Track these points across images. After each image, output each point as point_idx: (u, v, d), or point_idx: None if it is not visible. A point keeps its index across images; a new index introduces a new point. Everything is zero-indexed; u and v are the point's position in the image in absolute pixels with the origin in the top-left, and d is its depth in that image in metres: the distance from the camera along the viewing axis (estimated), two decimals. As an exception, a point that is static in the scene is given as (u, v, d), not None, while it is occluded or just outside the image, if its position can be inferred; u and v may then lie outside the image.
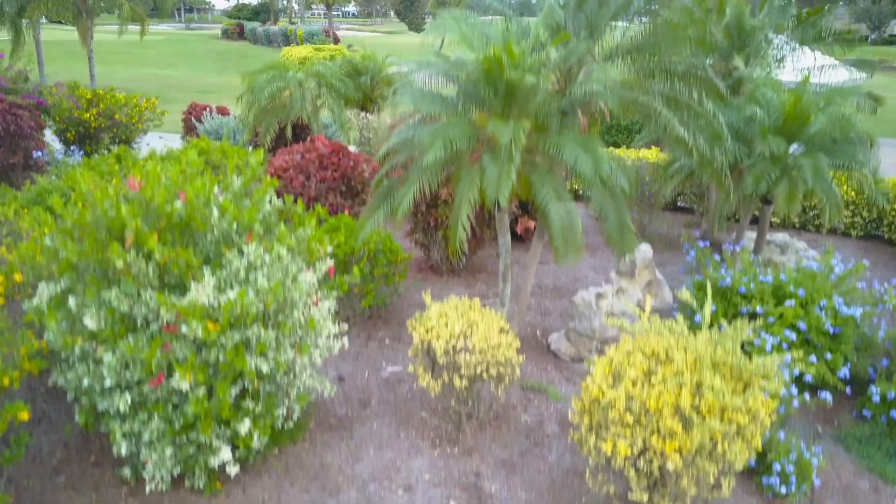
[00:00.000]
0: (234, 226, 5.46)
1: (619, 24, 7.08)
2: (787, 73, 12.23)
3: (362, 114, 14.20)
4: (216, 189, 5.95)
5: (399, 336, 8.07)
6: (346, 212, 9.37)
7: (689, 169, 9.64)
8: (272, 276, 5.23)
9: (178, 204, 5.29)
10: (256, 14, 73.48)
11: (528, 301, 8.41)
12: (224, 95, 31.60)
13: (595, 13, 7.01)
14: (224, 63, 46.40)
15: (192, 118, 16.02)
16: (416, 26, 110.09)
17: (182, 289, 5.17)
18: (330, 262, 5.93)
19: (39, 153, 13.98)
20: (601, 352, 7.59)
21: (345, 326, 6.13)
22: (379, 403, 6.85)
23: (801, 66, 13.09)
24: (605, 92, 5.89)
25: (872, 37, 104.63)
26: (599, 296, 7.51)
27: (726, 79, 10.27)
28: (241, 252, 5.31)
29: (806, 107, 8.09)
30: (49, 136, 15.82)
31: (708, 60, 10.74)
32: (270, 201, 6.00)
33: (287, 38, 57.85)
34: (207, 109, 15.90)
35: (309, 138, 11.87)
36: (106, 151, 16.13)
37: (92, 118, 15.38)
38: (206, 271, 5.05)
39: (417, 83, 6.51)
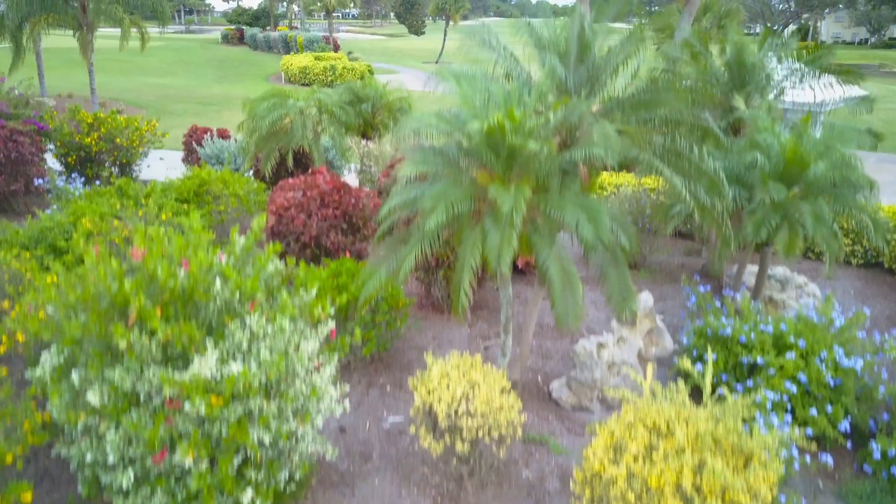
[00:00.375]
0: (237, 294, 5.47)
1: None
2: (787, 96, 12.28)
3: (363, 142, 14.22)
4: (219, 252, 6.00)
5: (400, 382, 8.08)
6: (348, 254, 9.39)
7: (689, 211, 9.64)
8: (275, 348, 5.25)
9: (181, 273, 5.31)
10: (256, 19, 73.47)
11: (530, 342, 8.41)
12: (224, 108, 31.65)
13: (596, 67, 7.03)
14: (224, 71, 46.40)
15: (193, 142, 16.02)
16: (415, 29, 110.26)
17: (185, 360, 5.19)
18: (331, 325, 5.94)
19: (41, 180, 13.99)
20: (602, 401, 7.60)
21: (346, 388, 6.14)
22: (380, 458, 6.86)
23: (802, 99, 13.08)
24: (606, 153, 5.90)
25: (872, 40, 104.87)
26: (600, 345, 7.53)
27: (726, 115, 10.30)
28: (243, 323, 5.32)
29: (806, 152, 8.10)
30: (50, 158, 15.83)
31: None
32: (274, 260, 6.03)
33: (287, 45, 57.94)
34: (208, 134, 15.90)
35: (310, 170, 11.88)
36: (107, 175, 16.16)
37: (93, 142, 15.39)
38: (209, 343, 5.06)
39: (420, 138, 6.52)
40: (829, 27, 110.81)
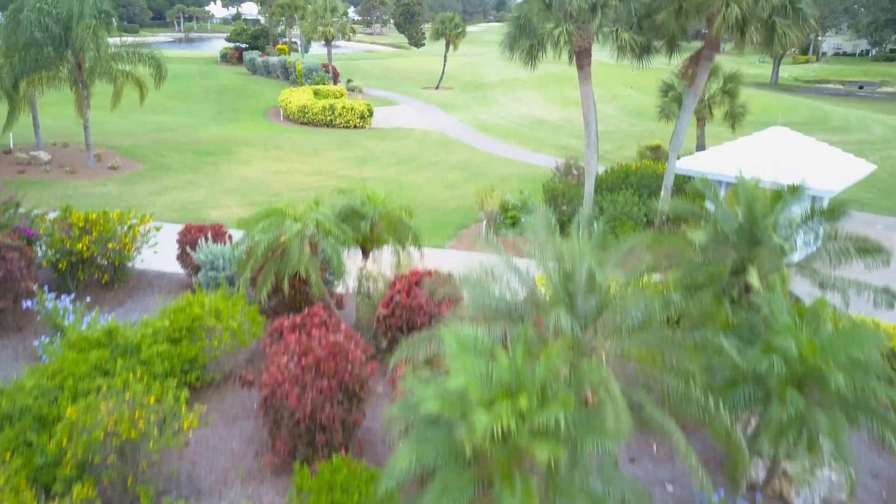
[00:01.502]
0: None
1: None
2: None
3: (362, 261, 13.86)
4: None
5: None
6: (344, 451, 9.02)
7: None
8: None
9: None
10: (255, 38, 73.04)
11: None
12: (222, 159, 31.29)
13: (604, 303, 6.68)
14: (223, 105, 46.00)
15: (187, 244, 15.62)
16: (415, 41, 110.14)
17: None
18: None
19: (29, 302, 13.60)
20: None
21: None
22: None
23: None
24: (615, 444, 5.56)
25: (873, 52, 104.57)
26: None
27: (738, 277, 9.93)
28: None
29: (824, 361, 7.72)
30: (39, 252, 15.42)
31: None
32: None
33: (286, 70, 57.58)
34: (202, 237, 15.49)
35: (307, 311, 11.52)
36: (99, 278, 15.74)
37: (84, 248, 14.98)
38: None
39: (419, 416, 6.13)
40: (830, 39, 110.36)
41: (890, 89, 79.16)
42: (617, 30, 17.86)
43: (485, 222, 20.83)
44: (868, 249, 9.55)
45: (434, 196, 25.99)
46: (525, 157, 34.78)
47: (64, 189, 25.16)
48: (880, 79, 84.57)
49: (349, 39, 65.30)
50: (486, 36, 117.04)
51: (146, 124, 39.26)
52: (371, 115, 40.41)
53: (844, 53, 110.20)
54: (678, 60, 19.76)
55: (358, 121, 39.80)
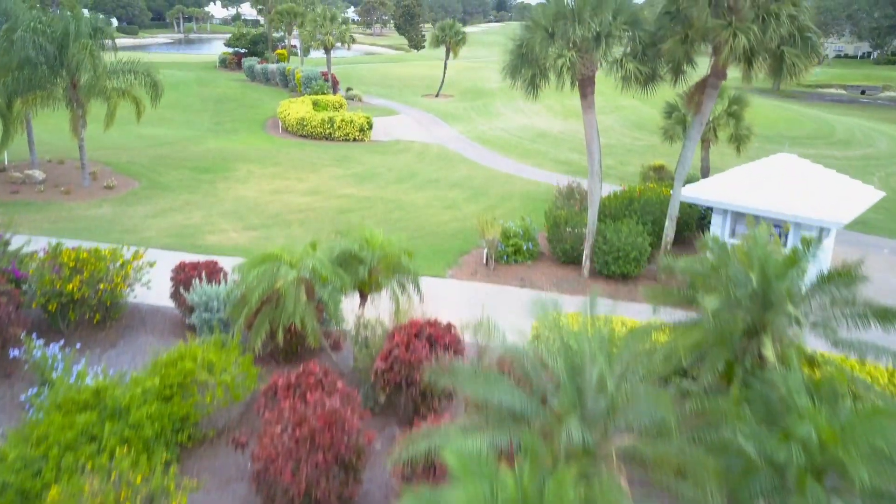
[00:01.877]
0: None
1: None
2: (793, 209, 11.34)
3: (360, 309, 13.47)
4: None
5: None
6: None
7: None
8: None
9: None
10: (254, 44, 72.68)
11: None
12: (219, 176, 30.85)
13: (614, 402, 6.28)
14: (221, 116, 45.54)
15: (181, 284, 15.22)
16: (415, 43, 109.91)
17: None
18: None
19: (17, 351, 13.18)
20: None
21: None
22: None
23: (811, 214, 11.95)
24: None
25: (875, 55, 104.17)
26: None
27: (752, 338, 9.55)
28: None
29: (846, 452, 7.33)
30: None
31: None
32: None
33: (285, 78, 57.22)
34: (196, 277, 15.08)
35: (302, 368, 11.12)
36: (90, 313, 15.30)
37: (75, 288, 14.56)
38: None
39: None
40: (831, 43, 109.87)
41: (892, 94, 78.80)
42: (621, 59, 17.46)
43: (486, 250, 20.42)
44: (887, 316, 9.14)
45: (434, 218, 25.54)
46: (526, 172, 34.33)
47: (58, 211, 24.73)
48: (882, 83, 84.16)
49: (349, 48, 64.91)
50: (486, 37, 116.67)
51: (143, 138, 38.84)
52: (370, 127, 39.98)
53: (846, 56, 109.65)
54: (684, 86, 19.36)
55: (357, 134, 39.36)
